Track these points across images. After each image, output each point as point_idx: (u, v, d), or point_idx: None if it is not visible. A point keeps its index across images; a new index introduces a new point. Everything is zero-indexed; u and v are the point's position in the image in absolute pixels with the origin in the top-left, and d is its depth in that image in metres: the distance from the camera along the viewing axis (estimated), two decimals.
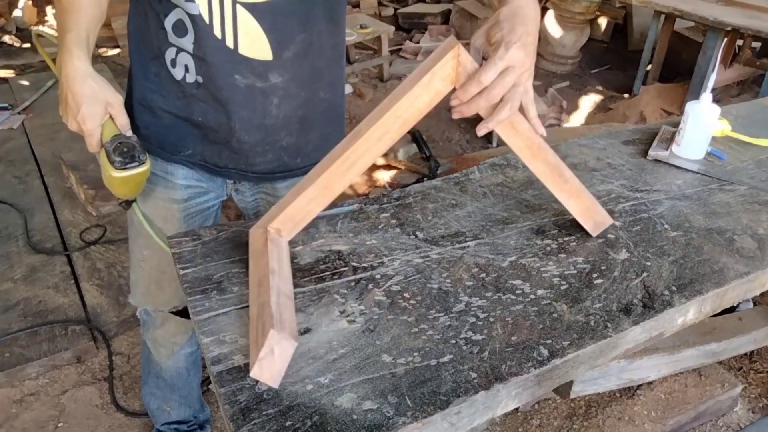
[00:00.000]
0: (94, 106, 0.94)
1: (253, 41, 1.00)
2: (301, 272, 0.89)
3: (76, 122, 0.94)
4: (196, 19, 0.98)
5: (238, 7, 0.97)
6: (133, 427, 1.77)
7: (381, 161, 3.03)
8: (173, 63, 1.05)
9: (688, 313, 0.90)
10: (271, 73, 1.04)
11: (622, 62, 4.73)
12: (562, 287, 0.89)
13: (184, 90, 1.06)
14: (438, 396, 0.70)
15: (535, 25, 0.79)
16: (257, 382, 0.70)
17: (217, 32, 0.99)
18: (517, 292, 0.87)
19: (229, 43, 0.99)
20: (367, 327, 0.79)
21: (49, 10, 5.27)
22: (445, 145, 3.44)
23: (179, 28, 1.01)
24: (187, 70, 1.04)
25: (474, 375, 0.73)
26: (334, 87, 1.17)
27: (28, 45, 4.58)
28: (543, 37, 4.57)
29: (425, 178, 2.81)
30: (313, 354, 0.75)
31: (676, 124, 1.32)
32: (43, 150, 3.03)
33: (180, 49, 1.03)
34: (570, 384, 1.33)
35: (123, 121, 0.98)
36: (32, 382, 1.89)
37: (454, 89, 0.80)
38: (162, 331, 1.37)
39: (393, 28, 4.01)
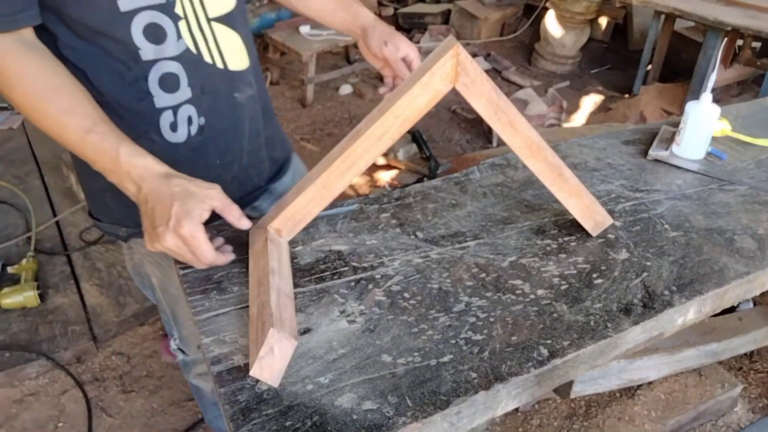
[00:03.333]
0: (189, 202, 0.77)
1: (235, 53, 0.97)
2: (301, 272, 0.89)
3: (173, 233, 0.76)
4: (184, 56, 0.91)
5: (213, 23, 0.93)
6: (132, 427, 1.77)
7: (381, 161, 3.03)
8: (173, 126, 0.93)
9: (688, 313, 0.90)
10: (251, 77, 1.02)
11: (622, 62, 4.73)
12: (562, 287, 0.89)
13: (191, 145, 0.96)
14: (438, 396, 0.70)
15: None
16: (257, 381, 0.70)
17: (207, 58, 0.93)
18: (517, 292, 0.87)
19: (219, 63, 0.95)
20: (367, 327, 0.79)
21: None
22: (445, 145, 3.44)
23: (167, 83, 0.90)
24: (190, 122, 0.94)
25: (474, 375, 0.73)
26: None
27: None
28: (543, 37, 4.57)
29: (425, 178, 2.81)
30: (313, 354, 0.75)
31: (676, 124, 1.32)
32: (43, 150, 3.02)
33: (177, 107, 0.92)
34: (570, 384, 1.33)
35: (235, 213, 0.81)
36: (32, 382, 1.89)
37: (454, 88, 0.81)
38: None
39: (393, 28, 4.01)
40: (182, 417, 1.82)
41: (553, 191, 0.94)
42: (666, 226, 1.04)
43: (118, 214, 1.03)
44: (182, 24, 0.89)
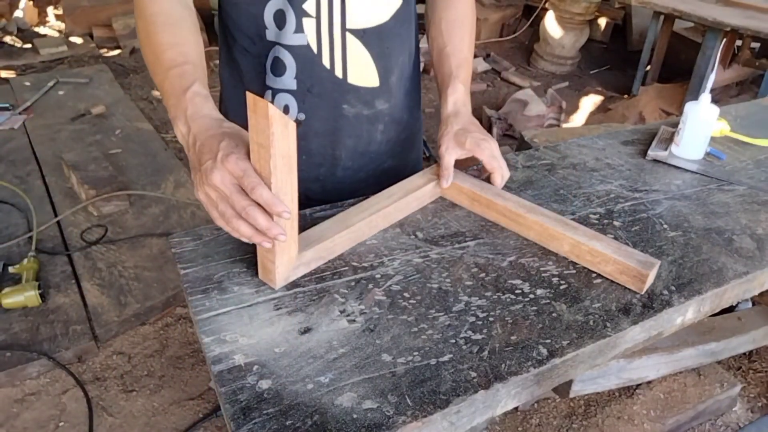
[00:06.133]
0: (242, 138, 0.72)
1: (361, 69, 0.98)
2: None
3: (221, 166, 0.69)
4: (301, 51, 0.95)
5: (348, 35, 0.95)
6: (133, 427, 1.78)
7: None
8: None
9: (687, 312, 0.91)
10: (378, 99, 1.03)
11: (622, 63, 4.73)
12: (562, 287, 0.89)
13: None
14: (438, 395, 0.70)
15: (468, 109, 1.04)
16: (258, 381, 0.70)
17: (326, 62, 0.96)
18: (517, 291, 0.88)
19: (338, 72, 0.97)
20: (367, 326, 0.80)
21: (50, 11, 5.27)
22: None
23: (276, 67, 0.97)
24: (286, 110, 0.99)
25: (474, 374, 0.73)
26: (420, 105, 1.16)
27: (29, 45, 4.58)
28: (543, 37, 4.57)
29: None
30: (313, 353, 0.75)
31: (675, 125, 1.33)
32: (44, 150, 3.03)
33: (277, 91, 0.98)
34: (569, 383, 1.33)
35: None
36: (33, 382, 1.89)
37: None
38: None
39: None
40: (183, 416, 1.82)
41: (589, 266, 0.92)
42: (665, 226, 1.05)
43: None
44: (309, 21, 0.93)
